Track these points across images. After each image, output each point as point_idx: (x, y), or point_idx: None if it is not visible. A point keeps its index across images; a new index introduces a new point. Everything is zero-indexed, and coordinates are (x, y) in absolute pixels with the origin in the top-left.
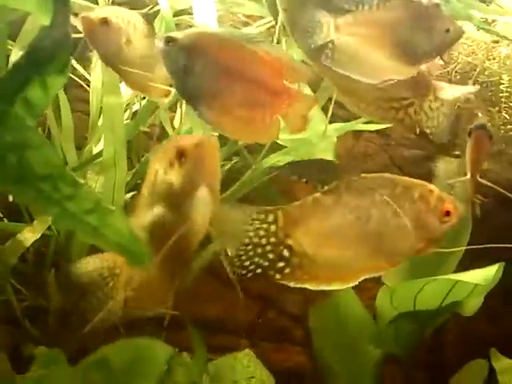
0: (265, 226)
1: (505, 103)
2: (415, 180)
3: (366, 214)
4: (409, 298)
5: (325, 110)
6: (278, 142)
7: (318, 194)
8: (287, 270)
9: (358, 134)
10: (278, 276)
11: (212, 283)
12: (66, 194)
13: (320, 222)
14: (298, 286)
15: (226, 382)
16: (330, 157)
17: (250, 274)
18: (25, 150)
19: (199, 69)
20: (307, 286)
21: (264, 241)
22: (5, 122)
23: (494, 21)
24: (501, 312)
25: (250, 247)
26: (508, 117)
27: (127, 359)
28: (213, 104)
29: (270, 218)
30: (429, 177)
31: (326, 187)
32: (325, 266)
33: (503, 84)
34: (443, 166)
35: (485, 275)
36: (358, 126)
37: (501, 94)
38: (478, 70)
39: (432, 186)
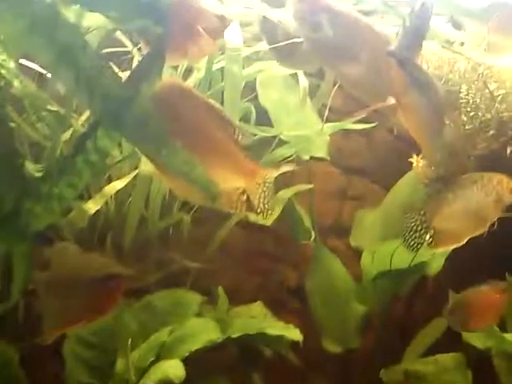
0: (420, 217)
1: (463, 107)
2: (492, 173)
3: (469, 199)
4: (386, 257)
5: (320, 113)
6: (282, 138)
7: (444, 193)
8: (433, 243)
9: (346, 135)
10: (428, 247)
11: (223, 260)
12: (171, 153)
13: (446, 208)
14: (433, 250)
15: (245, 317)
16: (323, 153)
17: (414, 250)
18: None
19: None
20: (438, 250)
21: (420, 227)
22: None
23: (453, 42)
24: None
25: (411, 232)
26: (466, 119)
27: (168, 303)
28: None
29: (422, 212)
30: (406, 171)
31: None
32: (448, 235)
33: (462, 92)
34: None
35: None
36: (348, 125)
37: (460, 101)
38: (443, 80)
39: (503, 175)
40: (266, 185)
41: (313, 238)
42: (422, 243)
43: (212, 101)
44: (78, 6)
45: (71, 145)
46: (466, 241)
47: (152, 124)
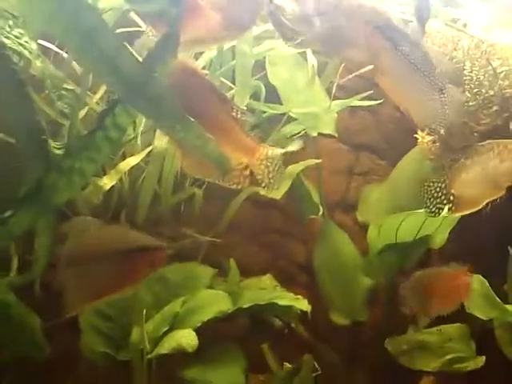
0: (440, 185)
1: (467, 84)
2: (508, 140)
3: (485, 165)
4: (392, 231)
5: (328, 91)
6: (291, 115)
7: (462, 160)
8: (453, 208)
9: (353, 112)
10: (448, 212)
11: (233, 236)
12: (185, 128)
13: (464, 174)
14: (451, 215)
15: (255, 289)
16: (331, 130)
17: (436, 215)
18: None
19: None
20: (455, 214)
21: (440, 194)
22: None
23: (457, 20)
24: None
25: (432, 199)
26: (470, 95)
27: (180, 276)
28: None
29: (442, 179)
30: (412, 147)
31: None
32: (466, 201)
33: (466, 69)
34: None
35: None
36: (355, 102)
37: (464, 78)
38: (447, 57)
39: None
40: (270, 160)
41: (321, 212)
42: (443, 209)
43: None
44: None
45: (87, 122)
46: (483, 204)
47: (167, 101)
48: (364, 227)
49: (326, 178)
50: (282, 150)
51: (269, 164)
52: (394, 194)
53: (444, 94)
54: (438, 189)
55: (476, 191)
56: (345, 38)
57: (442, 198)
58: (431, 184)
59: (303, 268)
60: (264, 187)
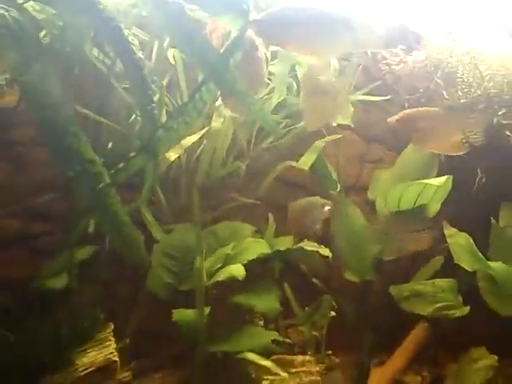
0: None
1: (459, 85)
2: None
3: None
4: (395, 199)
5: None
6: None
7: None
8: None
9: (366, 109)
10: None
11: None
12: (252, 102)
13: None
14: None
15: (287, 241)
16: (348, 121)
17: None
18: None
19: None
20: None
21: None
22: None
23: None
24: None
25: None
26: (461, 94)
27: (227, 232)
28: None
29: None
30: None
31: None
32: None
33: (459, 73)
34: None
35: (439, 181)
36: (368, 97)
37: (457, 80)
38: (444, 63)
39: None
40: None
41: (338, 189)
42: None
43: None
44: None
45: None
46: None
47: (239, 82)
48: (373, 204)
49: (343, 165)
50: None
51: None
52: (398, 177)
53: (355, 32)
54: None
55: None
56: None
57: None
58: None
59: (321, 239)
60: None
